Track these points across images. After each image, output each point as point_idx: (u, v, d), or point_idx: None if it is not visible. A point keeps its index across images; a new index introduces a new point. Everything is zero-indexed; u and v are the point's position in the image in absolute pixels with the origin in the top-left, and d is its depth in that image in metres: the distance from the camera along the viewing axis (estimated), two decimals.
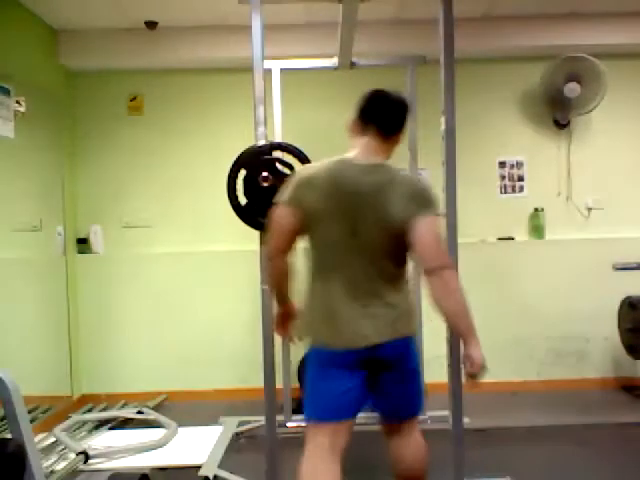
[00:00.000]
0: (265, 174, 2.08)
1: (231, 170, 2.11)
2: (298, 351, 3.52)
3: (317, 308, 1.78)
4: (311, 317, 1.81)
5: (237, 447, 3.02)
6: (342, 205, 1.72)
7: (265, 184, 2.08)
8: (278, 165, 2.11)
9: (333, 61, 3.12)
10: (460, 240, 2.11)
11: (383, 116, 1.91)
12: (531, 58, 3.88)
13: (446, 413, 2.18)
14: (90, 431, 3.21)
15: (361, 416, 1.94)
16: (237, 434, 3.18)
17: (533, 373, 3.92)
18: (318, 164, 1.82)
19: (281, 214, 1.77)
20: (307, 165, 1.99)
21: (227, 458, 2.85)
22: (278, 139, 3.17)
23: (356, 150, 1.87)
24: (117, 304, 3.91)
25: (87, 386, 3.90)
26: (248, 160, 2.10)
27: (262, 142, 2.11)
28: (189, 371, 3.89)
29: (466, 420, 2.48)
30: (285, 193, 1.77)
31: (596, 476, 2.58)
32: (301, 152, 2.18)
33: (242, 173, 2.13)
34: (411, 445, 1.94)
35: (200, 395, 3.84)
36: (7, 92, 3.08)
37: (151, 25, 3.59)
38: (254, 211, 2.11)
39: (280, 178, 2.09)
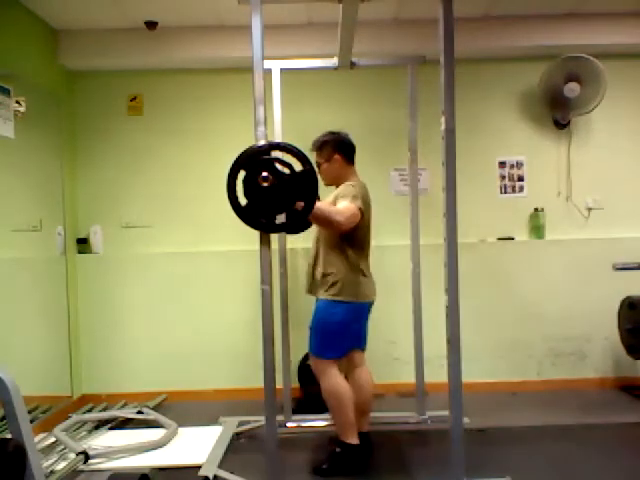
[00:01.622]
0: (265, 174, 2.07)
1: (231, 170, 2.10)
2: (298, 351, 3.53)
3: (358, 275, 2.66)
4: (357, 281, 2.66)
5: (237, 447, 3.02)
6: (370, 212, 2.74)
7: (265, 184, 2.08)
8: (278, 165, 2.11)
9: (333, 61, 3.13)
10: (460, 240, 2.10)
11: (354, 151, 2.89)
12: (531, 58, 3.88)
13: (446, 413, 2.18)
14: (90, 431, 3.21)
15: None
16: (237, 434, 3.18)
17: (533, 373, 3.92)
18: (359, 183, 2.76)
19: (359, 215, 2.60)
20: (359, 183, 2.75)
21: (227, 458, 2.85)
22: (278, 139, 3.18)
23: (356, 175, 2.83)
24: (117, 304, 3.91)
25: (87, 386, 3.90)
26: (248, 160, 2.09)
27: (262, 142, 2.11)
28: (189, 371, 3.89)
29: (466, 420, 2.49)
30: (360, 202, 2.59)
31: (596, 476, 2.58)
32: (300, 152, 2.17)
33: (242, 173, 2.12)
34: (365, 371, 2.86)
35: (200, 395, 3.84)
36: (7, 92, 3.08)
37: (151, 25, 3.59)
38: (254, 211, 2.11)
39: (280, 178, 2.08)
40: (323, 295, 2.67)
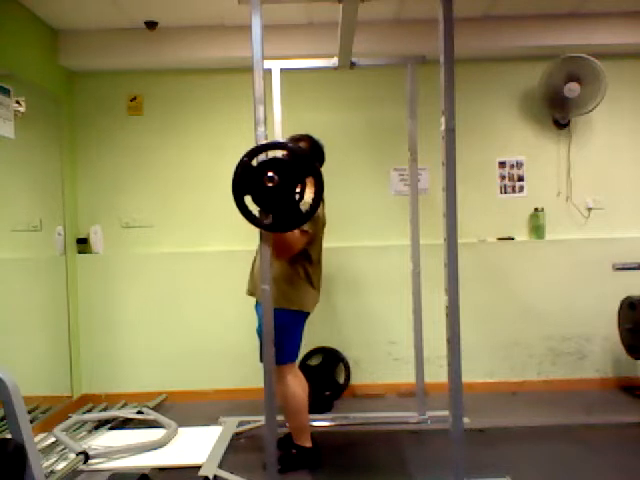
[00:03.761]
0: (270, 174, 2.05)
1: (235, 175, 2.07)
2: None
3: (309, 285, 2.70)
4: (306, 290, 2.68)
5: (237, 447, 3.02)
6: (320, 224, 2.70)
7: (270, 184, 2.06)
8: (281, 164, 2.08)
9: (333, 61, 3.13)
10: (460, 240, 2.10)
11: (323, 162, 2.80)
12: (531, 58, 3.88)
13: (446, 413, 2.18)
14: (90, 431, 3.21)
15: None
16: (237, 434, 3.18)
17: (533, 373, 3.92)
18: None
19: (303, 241, 2.55)
20: None
21: (227, 458, 2.85)
22: (278, 139, 3.18)
23: None
24: (117, 304, 3.91)
25: (87, 386, 3.90)
26: (244, 176, 2.07)
27: (263, 141, 2.10)
28: (189, 371, 3.89)
29: (466, 420, 2.48)
30: (308, 224, 2.42)
31: (596, 476, 2.58)
32: (296, 146, 2.16)
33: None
34: None
35: (200, 395, 3.85)
36: (7, 92, 3.08)
37: (151, 25, 3.59)
38: (281, 217, 2.09)
39: (286, 174, 2.06)
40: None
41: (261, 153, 2.08)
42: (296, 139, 2.76)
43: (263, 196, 2.07)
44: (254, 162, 2.08)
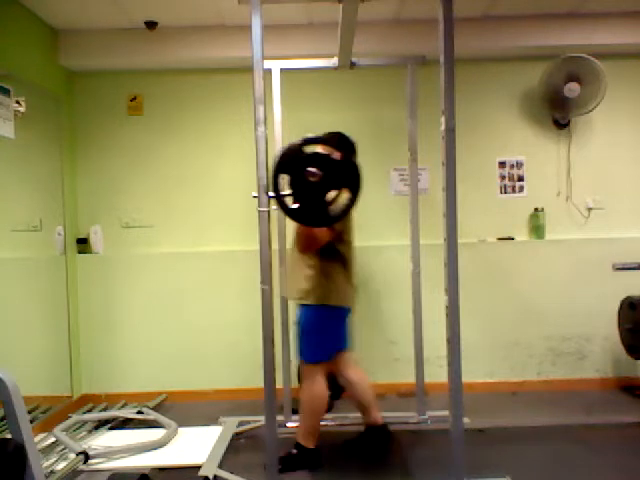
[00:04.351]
0: (312, 169, 2.03)
1: (274, 172, 2.03)
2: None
3: (344, 281, 2.70)
4: (339, 285, 2.67)
5: (237, 447, 3.02)
6: (347, 221, 2.67)
7: (313, 179, 2.03)
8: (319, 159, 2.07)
9: (333, 61, 3.13)
10: (460, 240, 2.10)
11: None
12: (531, 58, 3.88)
13: (446, 413, 2.18)
14: (90, 431, 3.21)
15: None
16: (237, 434, 3.18)
17: (533, 373, 3.92)
18: None
19: (326, 236, 2.55)
20: None
21: (227, 458, 2.85)
22: (278, 139, 3.18)
23: None
24: (117, 304, 3.91)
25: (87, 386, 3.90)
26: (290, 159, 2.05)
27: (299, 139, 2.09)
28: (189, 371, 3.89)
29: (466, 420, 2.48)
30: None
31: (596, 476, 2.58)
32: (338, 137, 2.18)
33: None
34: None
35: (200, 395, 3.85)
36: (7, 92, 3.08)
37: (151, 25, 3.59)
38: (307, 210, 2.08)
39: (327, 169, 2.05)
40: (301, 300, 2.67)
41: (318, 144, 2.06)
42: (328, 137, 2.71)
43: (301, 184, 2.05)
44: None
